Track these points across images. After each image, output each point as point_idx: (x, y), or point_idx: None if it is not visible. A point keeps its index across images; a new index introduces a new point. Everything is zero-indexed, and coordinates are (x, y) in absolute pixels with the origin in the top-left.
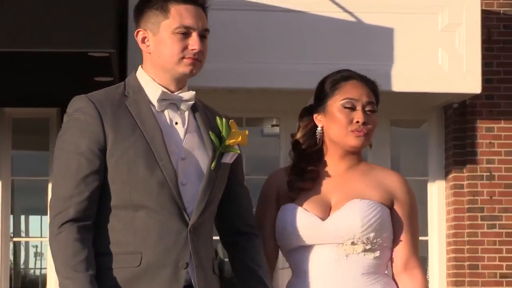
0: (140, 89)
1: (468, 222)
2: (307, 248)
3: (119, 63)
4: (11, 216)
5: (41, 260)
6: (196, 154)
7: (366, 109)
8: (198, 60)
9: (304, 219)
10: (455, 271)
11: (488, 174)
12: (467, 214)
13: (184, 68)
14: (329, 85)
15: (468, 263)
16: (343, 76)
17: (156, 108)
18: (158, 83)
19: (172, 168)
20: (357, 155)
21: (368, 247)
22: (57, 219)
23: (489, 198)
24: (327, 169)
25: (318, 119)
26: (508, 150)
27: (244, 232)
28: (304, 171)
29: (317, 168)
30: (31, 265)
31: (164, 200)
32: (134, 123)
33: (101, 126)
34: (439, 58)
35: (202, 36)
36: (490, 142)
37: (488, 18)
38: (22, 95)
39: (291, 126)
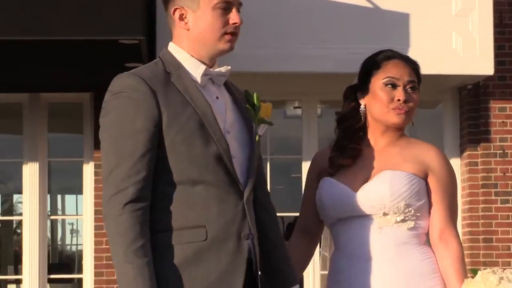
0: (179, 66)
1: (482, 198)
2: (344, 221)
3: (148, 49)
4: (48, 195)
5: (77, 236)
6: (237, 127)
7: (407, 87)
8: (236, 34)
9: (338, 191)
10: (470, 244)
11: (501, 151)
12: (481, 190)
13: (224, 45)
14: (372, 65)
15: (482, 236)
16: (385, 56)
17: (200, 83)
18: (196, 59)
19: (225, 142)
20: (398, 131)
21: (400, 217)
22: (116, 199)
23: (502, 174)
24: (369, 145)
25: (361, 97)
26: None
27: (263, 201)
28: (346, 148)
29: (359, 145)
30: (67, 241)
31: (220, 174)
32: (184, 99)
33: (155, 103)
34: (453, 42)
35: (238, 10)
36: (503, 121)
37: (500, 3)
38: (57, 81)
39: (312, 107)
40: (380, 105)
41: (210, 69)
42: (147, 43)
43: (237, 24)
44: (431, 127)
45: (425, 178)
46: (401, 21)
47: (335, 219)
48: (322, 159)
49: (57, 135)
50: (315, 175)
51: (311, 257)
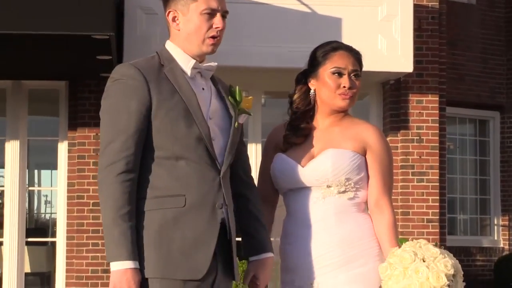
0: (173, 60)
1: (401, 177)
2: (294, 191)
3: (116, 43)
4: (27, 170)
5: (51, 206)
6: (219, 114)
7: (352, 75)
8: (218, 37)
9: (288, 166)
10: None
11: (418, 138)
12: (400, 171)
13: (207, 48)
14: (321, 55)
15: (401, 210)
16: (332, 47)
17: (189, 75)
18: (188, 55)
19: (206, 126)
20: (342, 113)
21: (342, 189)
22: (110, 169)
23: (418, 157)
24: (316, 125)
25: (311, 83)
26: (434, 118)
27: (245, 181)
28: (298, 128)
29: (309, 125)
30: (42, 210)
31: (201, 152)
32: (173, 88)
33: (147, 90)
34: (379, 43)
35: (223, 17)
36: (419, 112)
37: (419, 11)
38: (36, 70)
39: (257, 98)
40: (328, 91)
41: (200, 64)
42: (116, 38)
43: (219, 29)
44: (359, 115)
45: (364, 154)
46: (334, 24)
47: (286, 189)
48: (277, 135)
49: (36, 117)
50: (271, 148)
51: (272, 223)
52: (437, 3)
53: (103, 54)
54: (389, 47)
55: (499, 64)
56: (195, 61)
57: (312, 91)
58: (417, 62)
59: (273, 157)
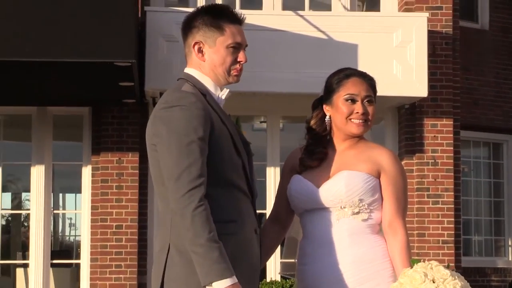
0: (207, 90)
1: (416, 199)
2: (310, 212)
3: (138, 70)
4: (52, 194)
5: (75, 229)
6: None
7: (365, 101)
8: (242, 69)
9: (303, 186)
10: None
11: (433, 161)
12: (415, 193)
13: (232, 78)
14: (335, 82)
15: (416, 232)
16: (345, 75)
17: (222, 104)
18: (215, 84)
19: (245, 154)
20: (357, 137)
21: (356, 210)
22: (193, 194)
23: (433, 180)
24: (332, 149)
25: (327, 109)
26: (448, 142)
27: None
28: (314, 152)
29: (325, 149)
30: (67, 233)
31: (243, 179)
32: (218, 117)
33: (209, 118)
34: (394, 68)
35: (244, 50)
36: (434, 136)
37: (433, 37)
38: (61, 96)
39: (276, 122)
40: (341, 117)
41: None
42: (137, 65)
43: (243, 62)
44: (375, 139)
45: (378, 176)
46: (350, 50)
47: (302, 210)
48: (294, 158)
49: (60, 142)
50: (288, 171)
51: (279, 243)
52: (451, 29)
53: (125, 81)
54: (404, 72)
55: None
56: (228, 90)
57: (327, 117)
58: (431, 87)
59: (290, 178)
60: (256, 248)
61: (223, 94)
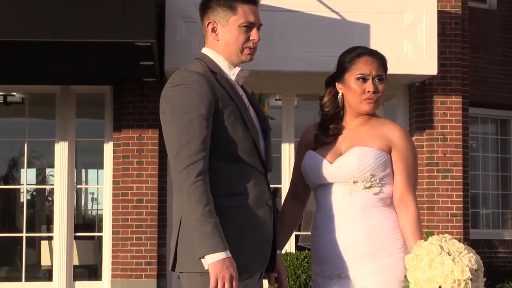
0: (218, 67)
1: (426, 174)
2: (323, 186)
3: (158, 50)
4: (75, 169)
5: (97, 203)
6: (254, 118)
7: (376, 79)
8: (255, 48)
9: (317, 162)
10: None
11: (442, 137)
12: (425, 168)
13: (245, 56)
14: (347, 61)
15: (426, 205)
16: (357, 54)
17: (233, 82)
18: (229, 63)
19: (257, 131)
20: (369, 114)
21: (368, 185)
22: (191, 168)
23: (443, 155)
24: (345, 125)
25: (339, 87)
26: (457, 118)
27: None
28: (327, 129)
29: (338, 125)
30: (89, 207)
31: (254, 154)
32: (227, 94)
33: (212, 95)
34: (405, 47)
35: (258, 29)
36: (444, 112)
37: (443, 17)
38: (83, 75)
39: (290, 100)
40: (353, 95)
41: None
42: (157, 45)
43: (256, 41)
44: (386, 116)
45: (389, 152)
46: (362, 30)
47: (316, 184)
48: (309, 134)
49: (83, 120)
50: (303, 147)
51: (300, 218)
52: (460, 9)
53: (145, 60)
54: (415, 51)
55: None
56: (240, 68)
57: (340, 94)
58: (441, 65)
59: (304, 154)
60: (267, 221)
61: (234, 72)
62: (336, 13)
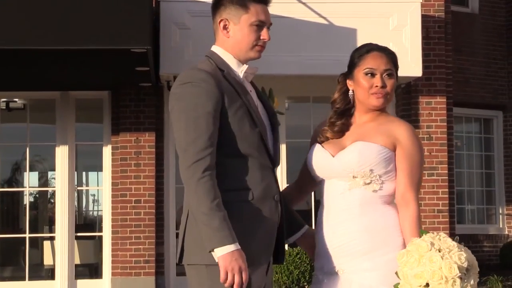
0: (226, 65)
1: None
2: (326, 180)
3: (153, 56)
4: (75, 172)
5: (97, 204)
6: (263, 114)
7: (384, 75)
8: (264, 47)
9: (320, 155)
10: None
11: (428, 136)
12: None
13: (254, 54)
14: (356, 57)
15: None
16: (366, 50)
17: (241, 79)
18: (236, 59)
19: (264, 126)
20: (378, 110)
21: (367, 180)
22: (197, 165)
23: (428, 154)
24: (354, 121)
25: (349, 83)
26: (442, 118)
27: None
28: (334, 124)
29: (347, 122)
30: (90, 208)
31: (261, 150)
32: (234, 91)
33: (219, 93)
34: None
35: (268, 28)
36: (429, 113)
37: (426, 21)
38: (82, 81)
39: (281, 102)
40: (362, 90)
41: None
42: (152, 51)
43: (266, 40)
44: None
45: (393, 149)
46: (349, 34)
47: (319, 178)
48: (319, 129)
49: (82, 124)
50: (314, 141)
51: (297, 201)
52: (443, 13)
53: (141, 66)
54: (400, 54)
55: (501, 68)
56: (247, 66)
57: (350, 91)
58: (425, 67)
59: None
60: (274, 215)
61: (242, 70)
62: (324, 18)
